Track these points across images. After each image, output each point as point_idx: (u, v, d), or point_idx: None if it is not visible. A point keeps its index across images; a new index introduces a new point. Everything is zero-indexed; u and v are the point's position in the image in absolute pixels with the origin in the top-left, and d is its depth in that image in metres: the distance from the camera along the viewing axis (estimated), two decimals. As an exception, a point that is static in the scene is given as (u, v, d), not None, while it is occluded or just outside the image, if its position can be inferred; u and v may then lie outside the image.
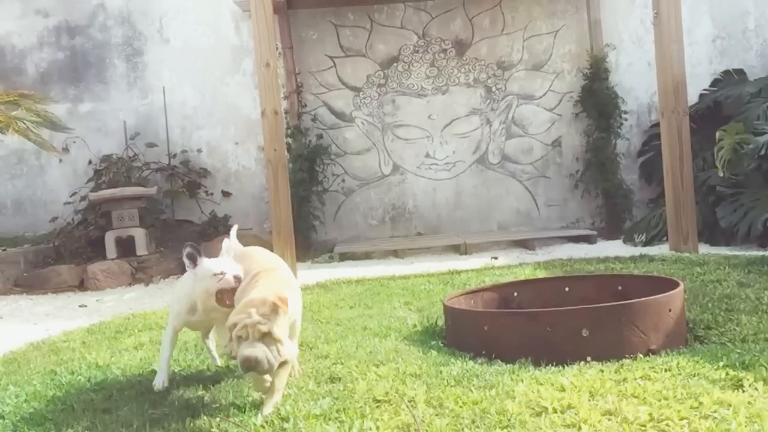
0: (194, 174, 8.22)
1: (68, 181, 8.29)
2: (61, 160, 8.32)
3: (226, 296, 2.77)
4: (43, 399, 3.00)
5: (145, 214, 7.54)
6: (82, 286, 6.89)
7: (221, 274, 2.78)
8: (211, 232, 7.82)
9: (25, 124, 6.72)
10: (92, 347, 3.96)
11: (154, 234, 7.60)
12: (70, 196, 8.02)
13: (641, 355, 2.88)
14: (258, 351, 2.35)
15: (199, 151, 8.31)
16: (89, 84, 8.42)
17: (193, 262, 2.84)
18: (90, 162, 8.17)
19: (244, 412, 2.59)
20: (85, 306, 5.98)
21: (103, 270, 6.91)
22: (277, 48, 6.65)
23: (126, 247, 7.22)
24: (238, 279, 2.79)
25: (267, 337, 2.39)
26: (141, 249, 7.21)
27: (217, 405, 2.72)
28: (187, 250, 2.84)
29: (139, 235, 7.24)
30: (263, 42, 6.06)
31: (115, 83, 8.42)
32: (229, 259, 2.92)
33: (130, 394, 2.99)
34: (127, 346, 3.91)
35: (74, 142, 8.22)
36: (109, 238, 7.21)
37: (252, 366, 2.35)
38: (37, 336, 4.55)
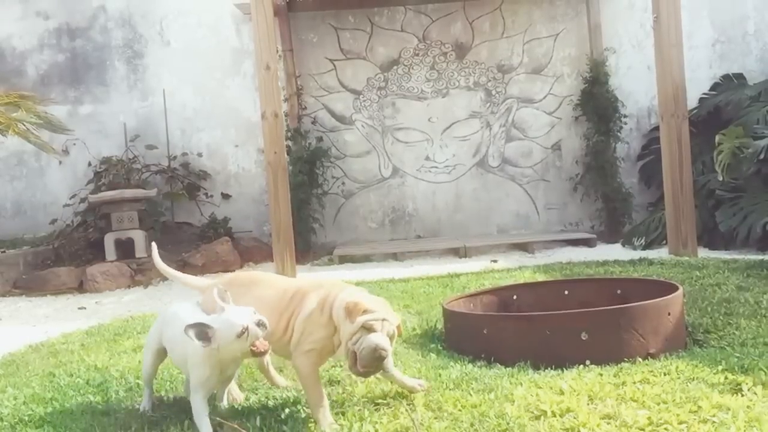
0: (194, 176, 8.22)
1: (68, 183, 8.29)
2: (60, 162, 8.32)
3: (259, 345, 2.40)
4: (42, 401, 3.00)
5: (144, 216, 7.54)
6: (81, 288, 6.88)
7: (245, 330, 2.36)
8: (211, 234, 7.82)
9: (25, 125, 6.72)
10: (91, 349, 3.96)
11: (153, 236, 7.56)
12: (70, 198, 8.02)
13: (640, 359, 2.88)
14: (388, 344, 2.40)
15: (200, 155, 8.31)
16: (89, 86, 8.43)
17: (207, 339, 2.39)
18: (90, 164, 8.17)
19: (243, 415, 2.59)
20: (84, 308, 5.98)
21: (102, 272, 6.90)
22: (277, 50, 6.66)
23: (125, 249, 7.21)
24: (261, 324, 2.41)
25: (390, 339, 2.45)
26: (140, 251, 7.20)
27: (215, 408, 2.72)
28: (193, 332, 2.37)
29: (139, 237, 7.24)
30: (263, 44, 6.07)
31: (115, 85, 8.43)
32: (235, 306, 2.51)
33: (129, 397, 2.99)
34: (126, 348, 3.91)
35: (74, 144, 8.22)
36: (109, 240, 7.21)
37: (379, 354, 2.36)
38: (36, 338, 4.55)
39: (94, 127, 8.37)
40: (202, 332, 2.37)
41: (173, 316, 2.71)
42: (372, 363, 2.37)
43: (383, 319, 2.41)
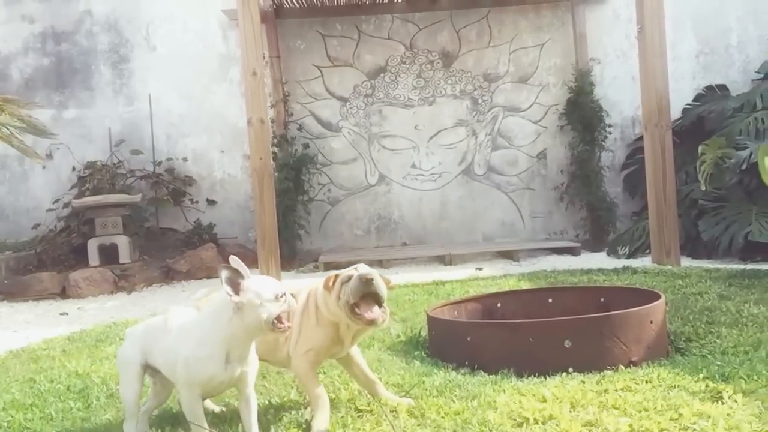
0: (179, 182, 8.18)
1: (51, 187, 8.22)
2: (44, 167, 8.25)
3: (285, 320, 2.24)
4: (21, 407, 2.96)
5: (128, 221, 7.49)
6: (63, 293, 6.82)
7: (284, 294, 2.21)
8: (196, 240, 7.79)
9: (8, 129, 6.65)
10: (72, 355, 3.92)
11: (137, 242, 7.55)
12: (53, 203, 7.95)
13: (622, 367, 2.89)
14: (369, 270, 2.46)
15: (185, 160, 8.28)
16: (74, 90, 8.38)
17: (236, 288, 2.14)
18: (74, 169, 8.12)
19: (225, 422, 2.58)
20: (67, 314, 5.92)
21: (85, 278, 6.84)
22: (264, 57, 6.67)
23: (109, 254, 7.16)
24: (293, 296, 2.35)
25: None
26: (124, 257, 7.15)
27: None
28: (225, 273, 2.12)
29: (123, 242, 7.19)
30: (250, 50, 6.07)
31: (100, 90, 8.38)
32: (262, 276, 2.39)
33: (110, 403, 2.96)
34: (107, 354, 3.87)
35: (58, 148, 8.16)
36: (92, 245, 7.15)
37: (365, 279, 2.42)
38: (17, 344, 4.50)
39: (78, 132, 8.31)
40: (234, 280, 2.11)
41: (157, 321, 2.50)
42: (364, 289, 2.42)
43: (354, 268, 2.51)
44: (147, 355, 2.44)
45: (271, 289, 2.18)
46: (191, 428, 2.30)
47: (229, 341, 2.20)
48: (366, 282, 2.42)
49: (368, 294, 2.44)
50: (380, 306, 2.46)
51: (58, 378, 3.40)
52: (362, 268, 2.50)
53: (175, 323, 2.40)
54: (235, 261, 2.23)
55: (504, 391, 2.67)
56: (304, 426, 2.49)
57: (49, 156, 8.21)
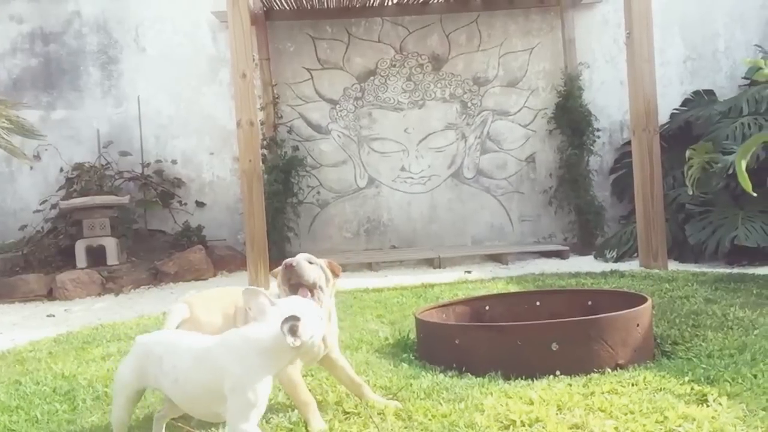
0: (168, 184, 8.15)
1: (39, 188, 8.17)
2: (32, 168, 8.19)
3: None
4: (7, 409, 2.95)
5: (116, 223, 7.45)
6: (50, 295, 6.79)
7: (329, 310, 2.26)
8: (184, 242, 7.76)
9: (-5, 130, 6.62)
10: (59, 357, 3.91)
11: (125, 244, 7.52)
12: (41, 204, 7.90)
13: (609, 370, 2.91)
14: (297, 258, 2.56)
15: (174, 162, 8.25)
16: (63, 91, 8.33)
17: (296, 333, 2.07)
18: (62, 170, 8.06)
19: (214, 425, 2.57)
20: (53, 316, 5.89)
21: (72, 279, 6.80)
22: (254, 59, 6.66)
23: (96, 256, 7.13)
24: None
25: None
26: (112, 259, 7.12)
27: (183, 419, 2.70)
28: (288, 325, 2.04)
29: (110, 244, 7.15)
30: (240, 53, 6.06)
31: (89, 91, 8.34)
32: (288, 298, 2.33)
33: (96, 405, 2.95)
34: (94, 356, 3.86)
35: (46, 149, 8.10)
36: (80, 247, 7.11)
37: (286, 263, 2.53)
38: (3, 345, 4.48)
39: (66, 133, 8.27)
40: (296, 327, 2.05)
41: (171, 344, 2.27)
42: (288, 274, 2.53)
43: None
44: (147, 380, 2.30)
45: (321, 312, 2.20)
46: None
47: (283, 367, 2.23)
48: (287, 268, 2.52)
49: (306, 283, 2.54)
50: (312, 293, 2.55)
51: (44, 380, 3.38)
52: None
53: (187, 348, 2.22)
54: (252, 291, 2.17)
55: (491, 393, 2.68)
56: (293, 428, 2.49)
57: (37, 157, 8.15)
